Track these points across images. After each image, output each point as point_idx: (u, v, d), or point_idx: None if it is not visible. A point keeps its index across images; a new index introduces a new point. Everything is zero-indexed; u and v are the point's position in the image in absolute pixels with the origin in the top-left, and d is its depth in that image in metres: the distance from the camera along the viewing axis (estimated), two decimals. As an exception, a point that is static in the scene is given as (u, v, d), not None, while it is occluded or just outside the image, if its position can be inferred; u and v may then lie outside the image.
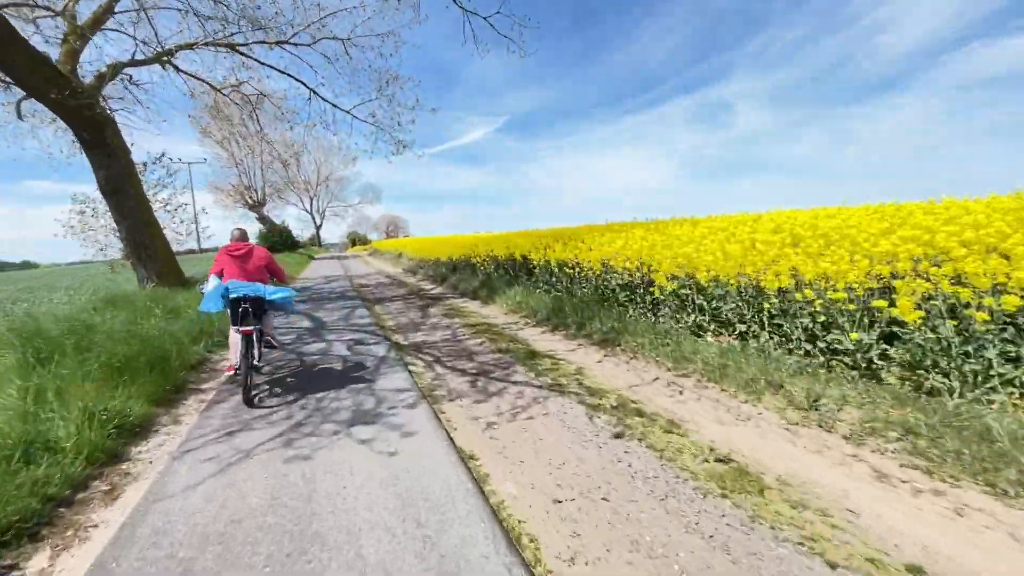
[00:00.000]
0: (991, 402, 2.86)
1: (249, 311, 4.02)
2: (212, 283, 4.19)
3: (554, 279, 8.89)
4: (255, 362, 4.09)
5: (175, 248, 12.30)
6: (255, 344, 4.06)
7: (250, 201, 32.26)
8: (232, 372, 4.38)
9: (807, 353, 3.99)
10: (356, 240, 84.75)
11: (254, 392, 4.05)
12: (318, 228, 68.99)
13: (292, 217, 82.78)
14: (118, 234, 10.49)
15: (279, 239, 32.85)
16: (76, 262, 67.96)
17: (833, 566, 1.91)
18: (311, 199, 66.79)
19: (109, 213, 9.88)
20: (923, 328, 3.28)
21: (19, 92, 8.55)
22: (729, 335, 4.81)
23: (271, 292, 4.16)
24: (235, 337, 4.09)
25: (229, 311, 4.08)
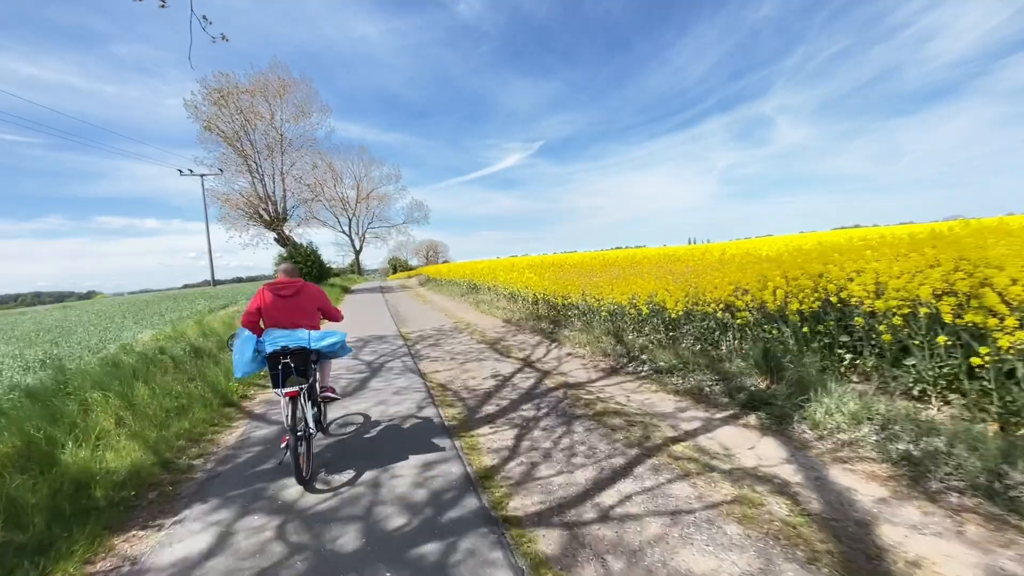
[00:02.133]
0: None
1: (292, 367, 3.15)
2: (242, 336, 3.22)
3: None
4: (310, 430, 3.23)
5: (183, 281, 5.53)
6: (307, 406, 3.21)
7: (266, 216, 24.68)
8: (285, 443, 3.14)
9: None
10: (397, 266, 79.96)
11: (309, 469, 3.16)
12: (357, 253, 62.30)
13: (328, 243, 76.66)
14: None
15: (304, 265, 25.50)
16: (137, 291, 73.22)
17: None
18: (350, 220, 60.50)
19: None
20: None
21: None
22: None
23: (316, 339, 3.27)
24: (281, 401, 3.17)
25: (268, 369, 3.17)
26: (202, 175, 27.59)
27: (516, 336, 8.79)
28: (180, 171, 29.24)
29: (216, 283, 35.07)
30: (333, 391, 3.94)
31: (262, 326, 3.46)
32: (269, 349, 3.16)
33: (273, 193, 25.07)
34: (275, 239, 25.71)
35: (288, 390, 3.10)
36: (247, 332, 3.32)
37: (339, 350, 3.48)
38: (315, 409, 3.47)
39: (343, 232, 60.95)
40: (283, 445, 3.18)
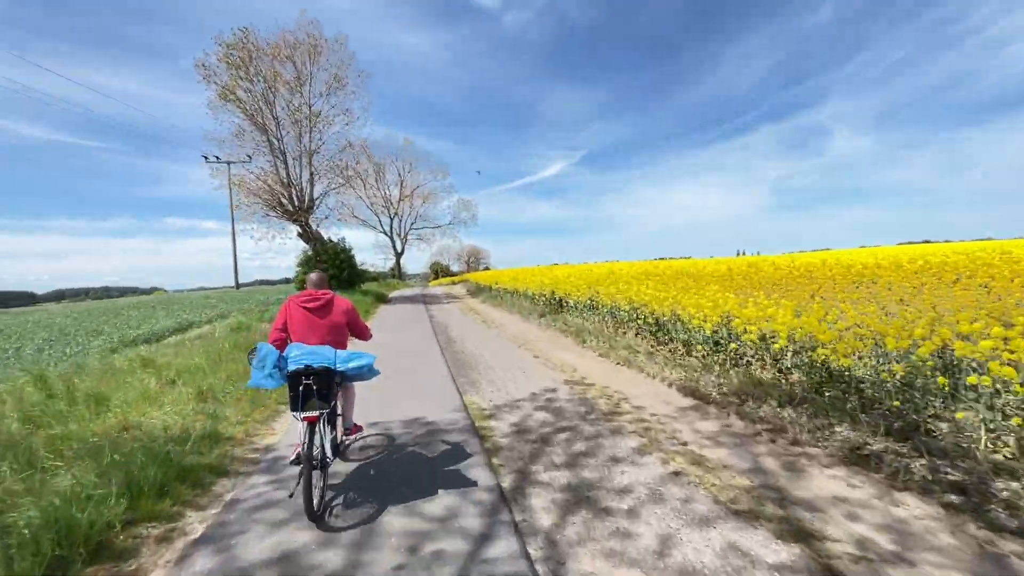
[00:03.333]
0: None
1: (313, 389, 2.80)
2: (262, 351, 2.86)
3: None
4: (328, 457, 2.90)
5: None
6: (325, 432, 2.89)
7: (288, 205, 20.07)
8: (296, 457, 2.91)
9: None
10: (439, 271, 77.15)
11: (321, 501, 2.83)
12: (399, 255, 57.80)
13: (368, 245, 72.64)
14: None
15: (332, 265, 20.69)
16: (196, 288, 78.15)
17: None
18: (391, 219, 56.41)
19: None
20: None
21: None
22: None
23: (343, 360, 2.96)
24: (297, 425, 2.89)
25: (288, 390, 2.84)
26: (228, 162, 23.57)
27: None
28: (205, 157, 25.39)
29: (240, 286, 31.19)
30: (359, 429, 3.70)
31: (288, 340, 3.17)
32: (291, 367, 2.83)
33: (298, 178, 20.49)
34: (298, 234, 21.09)
35: (307, 414, 2.79)
36: (268, 347, 2.90)
37: (366, 372, 3.12)
38: (333, 433, 3.08)
39: (384, 232, 56.43)
40: (293, 458, 2.91)
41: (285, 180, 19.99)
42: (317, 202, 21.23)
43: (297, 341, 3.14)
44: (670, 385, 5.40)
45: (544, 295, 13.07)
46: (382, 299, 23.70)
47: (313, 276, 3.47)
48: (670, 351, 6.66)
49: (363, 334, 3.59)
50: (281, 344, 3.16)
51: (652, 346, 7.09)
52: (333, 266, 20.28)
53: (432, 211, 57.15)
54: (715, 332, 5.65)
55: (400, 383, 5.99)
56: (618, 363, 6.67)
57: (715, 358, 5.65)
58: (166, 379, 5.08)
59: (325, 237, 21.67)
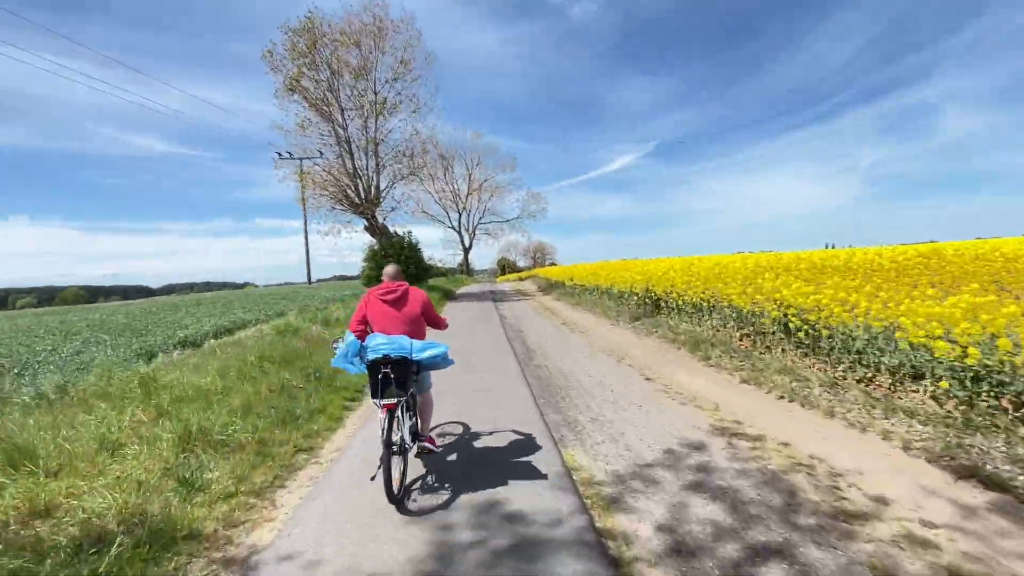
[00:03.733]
0: None
1: (391, 378, 2.87)
2: (347, 339, 3.09)
3: None
4: (407, 445, 3.03)
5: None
6: (404, 419, 3.00)
7: (355, 198, 19.35)
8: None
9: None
10: (506, 267, 76.45)
11: (402, 485, 2.93)
12: (467, 251, 57.26)
13: (436, 244, 73.18)
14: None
15: (400, 259, 19.12)
16: (282, 283, 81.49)
17: None
18: (459, 214, 55.94)
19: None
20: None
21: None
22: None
23: (419, 350, 3.01)
24: (378, 413, 2.97)
25: (368, 378, 2.98)
26: (300, 158, 23.55)
27: None
28: (279, 154, 25.64)
29: (314, 281, 31.65)
30: (433, 444, 3.49)
31: (369, 331, 3.27)
32: (371, 356, 2.95)
33: (364, 168, 19.73)
34: (365, 227, 20.38)
35: (386, 402, 2.89)
36: (353, 337, 3.13)
37: (440, 361, 3.17)
38: (412, 420, 3.23)
39: (452, 227, 56.01)
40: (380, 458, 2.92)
41: (351, 171, 19.29)
42: (383, 194, 20.40)
43: (376, 331, 3.18)
44: (906, 448, 3.24)
45: (635, 293, 10.94)
46: (448, 295, 22.57)
47: (390, 269, 3.55)
48: (863, 382, 4.42)
49: (439, 324, 3.60)
50: (362, 336, 3.21)
51: (826, 372, 4.86)
52: (399, 260, 19.35)
53: (500, 205, 56.00)
54: (981, 363, 3.38)
55: (470, 416, 4.32)
56: (781, 396, 4.54)
57: (980, 406, 3.39)
58: (155, 410, 3.75)
59: (392, 231, 20.85)
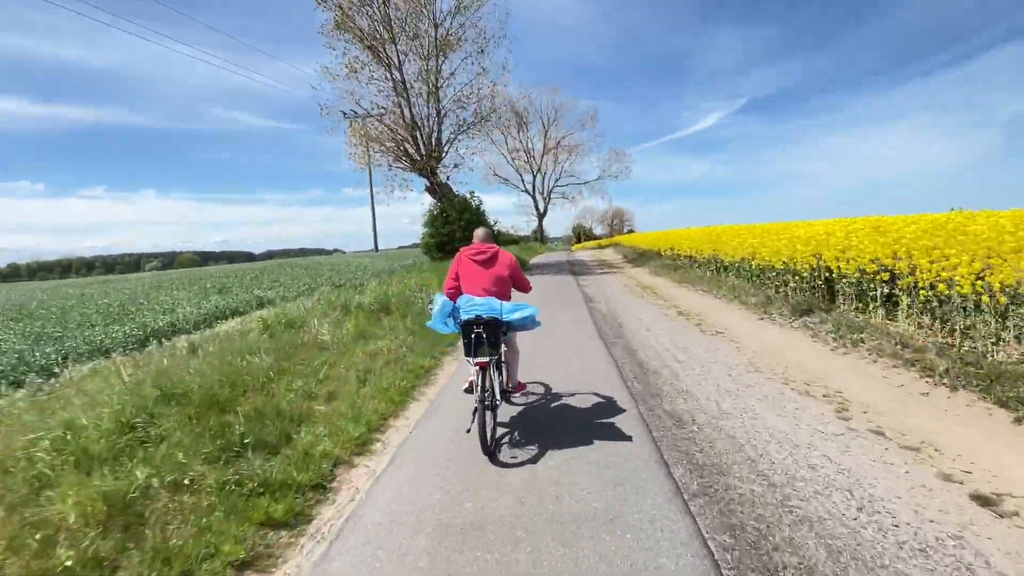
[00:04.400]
0: None
1: (484, 337, 3.03)
2: (438, 302, 3.28)
3: None
4: (497, 400, 3.18)
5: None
6: (494, 377, 3.13)
7: (414, 154, 16.81)
8: (468, 386, 3.62)
9: None
10: (582, 234, 71.98)
11: (493, 437, 3.10)
12: (541, 216, 52.74)
13: (509, 210, 70.03)
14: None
15: (459, 223, 16.38)
16: (363, 251, 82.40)
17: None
18: (534, 176, 51.07)
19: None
20: None
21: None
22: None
23: (508, 311, 3.16)
24: (472, 369, 3.22)
25: (461, 335, 3.15)
26: (364, 115, 21.36)
27: None
28: (344, 113, 23.68)
29: (382, 250, 30.21)
30: (523, 386, 3.93)
31: (460, 291, 3.43)
32: (464, 317, 3.12)
33: (425, 119, 17.03)
34: (426, 187, 17.85)
35: (479, 360, 3.01)
36: (443, 298, 3.31)
37: (529, 323, 3.30)
38: (501, 377, 3.34)
39: (526, 191, 51.47)
40: (466, 387, 3.43)
41: (409, 121, 16.66)
42: (446, 148, 17.64)
43: (466, 291, 3.35)
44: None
45: (794, 270, 7.28)
46: (521, 266, 19.62)
47: (480, 232, 3.74)
48: None
49: (524, 286, 3.76)
50: (454, 293, 3.43)
51: None
52: (459, 225, 16.66)
53: (579, 166, 50.16)
54: None
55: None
56: None
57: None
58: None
59: (456, 193, 18.12)
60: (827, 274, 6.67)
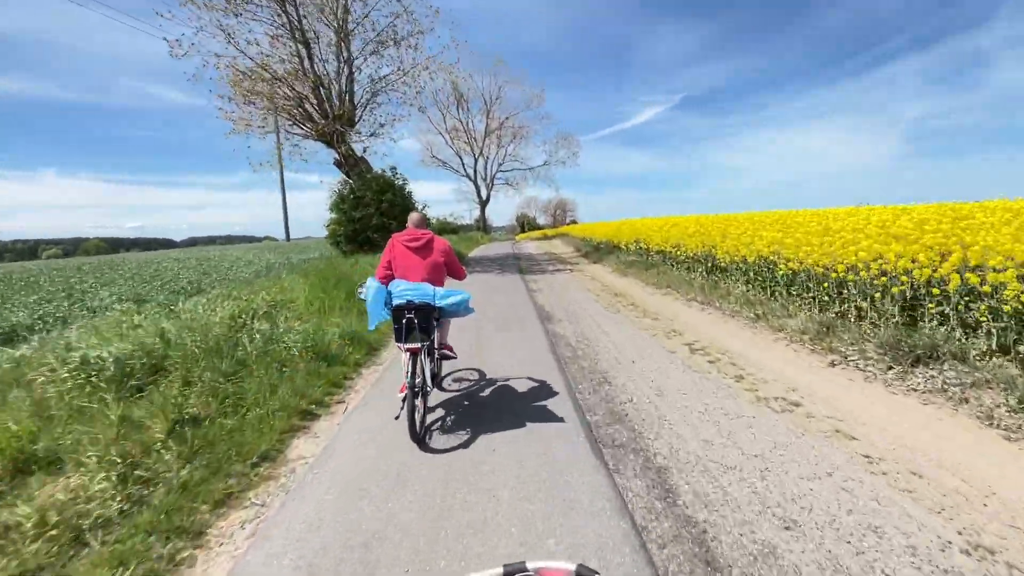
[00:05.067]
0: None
1: (415, 323, 2.96)
2: (371, 287, 3.11)
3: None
4: (428, 387, 3.15)
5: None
6: (425, 364, 3.07)
7: (318, 117, 13.08)
8: (403, 394, 3.07)
9: None
10: (526, 224, 70.19)
11: (423, 425, 3.01)
12: (483, 204, 48.84)
13: (450, 198, 65.50)
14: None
15: (377, 206, 12.95)
16: (302, 237, 78.21)
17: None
18: (475, 159, 46.42)
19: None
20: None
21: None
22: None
23: (441, 296, 3.09)
24: (402, 356, 3.10)
25: (392, 322, 3.08)
26: (239, 65, 16.86)
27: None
28: (218, 55, 19.05)
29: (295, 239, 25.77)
30: (451, 349, 3.85)
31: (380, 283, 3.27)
32: (395, 302, 3.03)
33: (333, 74, 13.22)
34: (335, 160, 14.08)
35: (410, 345, 2.97)
36: (375, 282, 3.18)
37: (462, 310, 3.24)
38: (432, 364, 3.32)
39: (467, 176, 47.44)
40: (400, 395, 3.07)
41: (311, 76, 12.80)
42: (360, 112, 13.97)
43: (399, 278, 3.26)
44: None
45: (806, 269, 4.71)
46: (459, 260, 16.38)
47: (415, 216, 3.59)
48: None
49: (459, 273, 3.66)
50: (387, 281, 3.28)
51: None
52: (378, 209, 13.11)
53: (524, 150, 46.94)
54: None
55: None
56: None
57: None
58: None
59: (376, 170, 14.42)
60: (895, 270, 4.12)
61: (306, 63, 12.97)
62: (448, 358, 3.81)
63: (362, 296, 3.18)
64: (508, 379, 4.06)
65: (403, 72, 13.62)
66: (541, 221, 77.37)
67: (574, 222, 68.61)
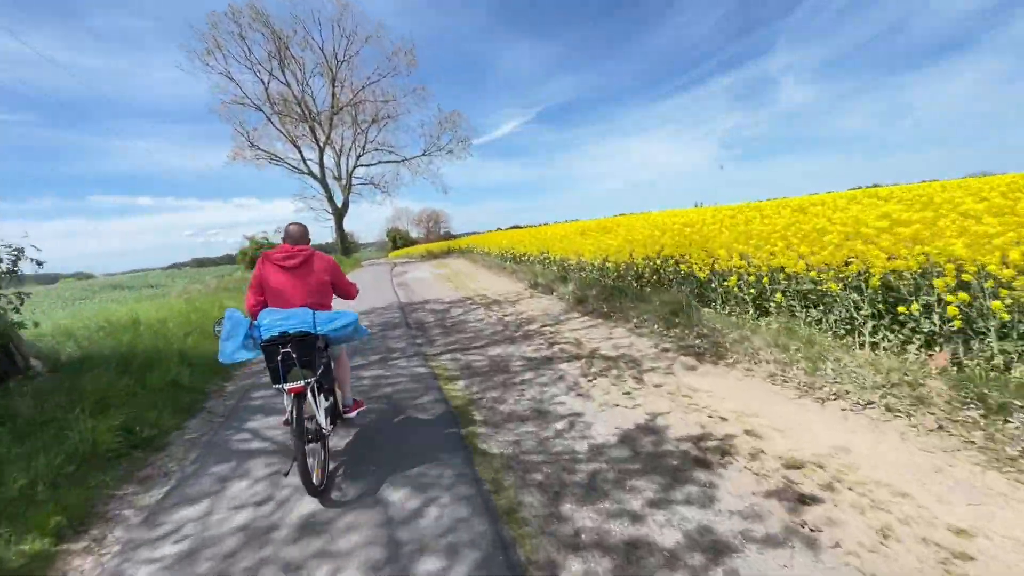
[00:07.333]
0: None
1: (293, 358, 2.47)
2: (231, 319, 2.58)
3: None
4: (324, 430, 2.69)
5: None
6: (318, 401, 2.68)
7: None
8: (286, 425, 2.90)
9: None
10: (398, 238, 62.68)
11: (324, 474, 2.64)
12: (340, 213, 34.02)
13: (290, 197, 37.87)
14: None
15: None
16: (128, 271, 71.05)
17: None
18: (321, 147, 32.17)
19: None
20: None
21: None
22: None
23: (323, 322, 2.61)
24: (284, 400, 2.68)
25: (266, 361, 2.51)
26: None
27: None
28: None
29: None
30: (360, 405, 3.29)
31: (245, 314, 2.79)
32: (265, 336, 2.51)
33: None
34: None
35: (291, 386, 2.47)
36: (238, 314, 2.63)
37: (352, 333, 2.79)
38: (328, 401, 2.86)
39: (310, 173, 33.01)
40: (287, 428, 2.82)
41: None
42: None
43: (275, 306, 2.76)
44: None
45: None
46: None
47: (292, 228, 3.05)
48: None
49: (349, 291, 3.23)
50: (258, 310, 2.80)
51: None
52: None
53: (394, 135, 35.08)
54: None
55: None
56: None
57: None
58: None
59: None
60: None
61: None
62: (348, 408, 3.21)
63: (217, 331, 2.62)
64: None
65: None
66: (414, 235, 68.61)
67: (448, 233, 64.42)
